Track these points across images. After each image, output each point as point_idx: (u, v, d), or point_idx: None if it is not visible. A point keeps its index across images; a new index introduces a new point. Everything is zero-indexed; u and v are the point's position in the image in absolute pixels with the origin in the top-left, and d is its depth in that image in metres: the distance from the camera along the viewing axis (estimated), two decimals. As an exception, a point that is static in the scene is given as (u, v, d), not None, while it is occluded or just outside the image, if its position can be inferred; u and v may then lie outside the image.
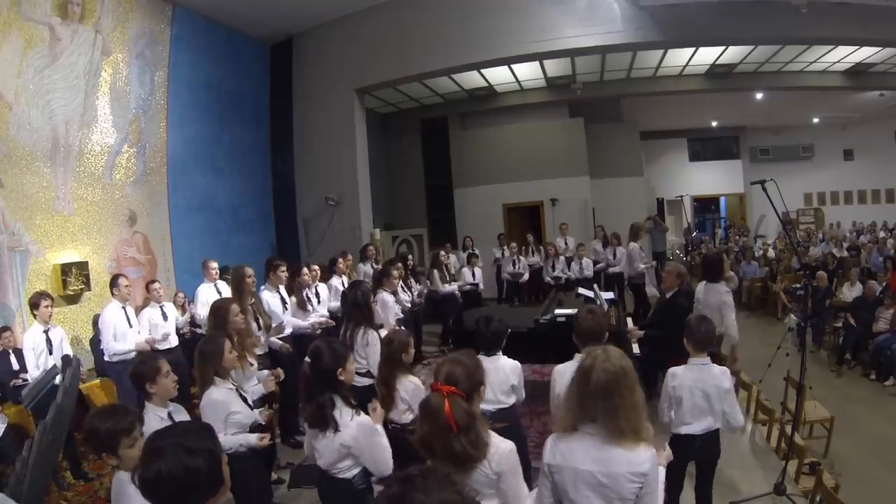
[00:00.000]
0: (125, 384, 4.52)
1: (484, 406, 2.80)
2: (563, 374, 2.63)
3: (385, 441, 2.22)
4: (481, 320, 2.96)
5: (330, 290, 5.74)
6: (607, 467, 1.62)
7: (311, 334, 4.81)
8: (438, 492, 0.94)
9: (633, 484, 1.61)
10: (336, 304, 5.60)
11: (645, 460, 1.62)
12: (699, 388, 2.69)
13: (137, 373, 2.45)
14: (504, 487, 1.73)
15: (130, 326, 4.67)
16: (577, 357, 2.64)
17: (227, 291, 5.59)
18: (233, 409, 2.66)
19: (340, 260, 6.32)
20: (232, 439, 2.62)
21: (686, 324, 2.83)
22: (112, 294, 4.67)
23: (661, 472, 1.80)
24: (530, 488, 2.99)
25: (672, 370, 2.77)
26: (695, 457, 2.83)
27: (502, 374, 2.86)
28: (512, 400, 2.89)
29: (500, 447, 1.73)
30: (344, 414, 2.19)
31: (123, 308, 4.66)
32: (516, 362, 2.94)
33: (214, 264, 5.59)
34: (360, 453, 2.18)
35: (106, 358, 4.62)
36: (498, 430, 2.78)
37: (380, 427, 2.23)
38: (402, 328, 4.51)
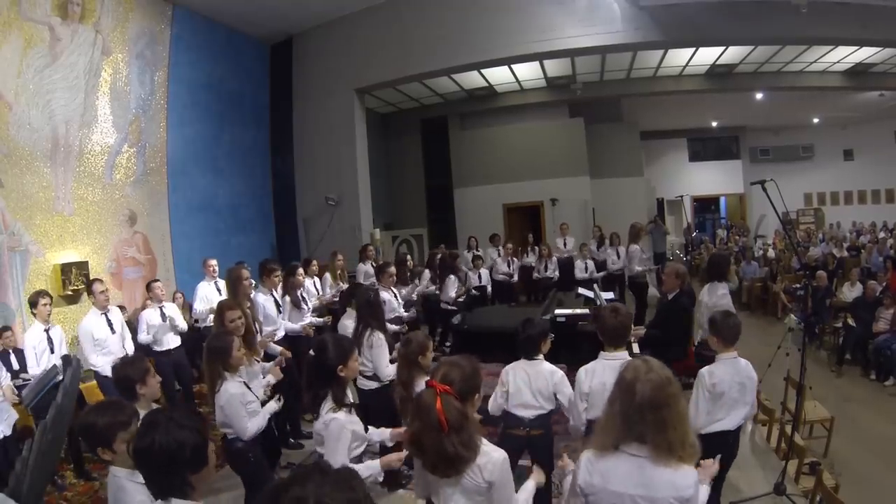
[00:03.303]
0: (111, 393, 4.51)
1: (524, 412, 2.80)
2: (591, 373, 2.63)
3: (342, 447, 2.21)
4: (519, 324, 2.90)
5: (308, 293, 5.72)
6: (650, 491, 1.53)
7: (304, 336, 4.82)
8: (331, 489, 0.93)
9: None
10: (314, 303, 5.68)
11: (690, 484, 1.53)
12: (736, 381, 2.74)
13: (126, 376, 2.40)
14: (495, 498, 1.69)
15: (113, 332, 4.52)
16: (602, 355, 2.67)
17: (225, 289, 5.63)
18: (249, 399, 2.81)
19: (314, 262, 6.43)
20: (261, 416, 2.82)
21: (710, 321, 2.85)
22: (91, 301, 4.56)
23: (704, 491, 1.70)
24: (549, 489, 2.99)
25: (707, 370, 2.76)
26: (721, 454, 2.81)
27: (542, 379, 2.81)
28: (551, 405, 2.85)
29: (493, 456, 1.68)
30: (325, 406, 2.25)
31: (104, 314, 4.53)
32: (558, 369, 2.86)
33: (213, 262, 5.66)
34: (324, 445, 2.23)
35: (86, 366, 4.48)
36: (534, 436, 2.80)
37: (346, 434, 2.21)
38: (421, 330, 4.50)
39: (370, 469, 2.24)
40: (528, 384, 2.82)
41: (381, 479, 2.27)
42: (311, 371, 2.35)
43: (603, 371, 2.58)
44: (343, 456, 2.21)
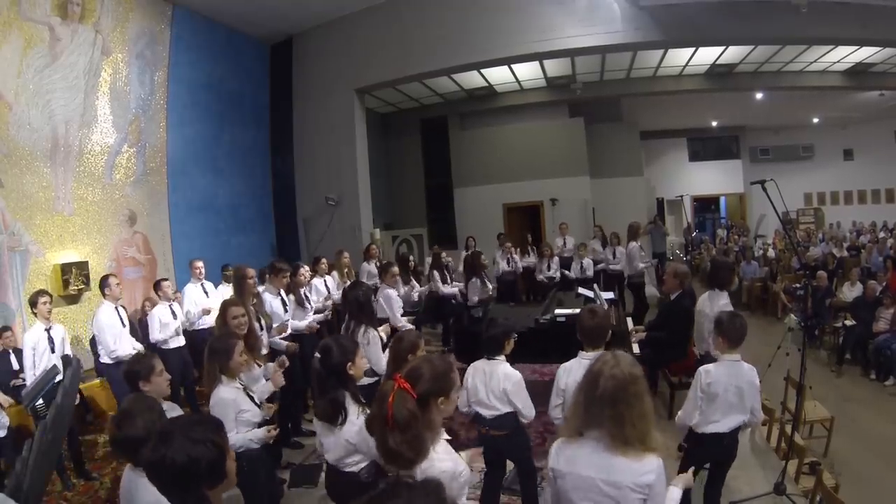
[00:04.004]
0: (121, 386, 4.55)
1: (484, 411, 2.84)
2: (568, 371, 2.67)
3: None
4: (485, 322, 2.97)
5: (311, 291, 5.77)
6: (610, 475, 1.58)
7: (307, 334, 4.83)
8: (423, 500, 0.93)
9: (637, 494, 1.56)
10: (319, 304, 5.71)
11: (650, 471, 1.56)
12: (734, 384, 2.68)
13: (132, 371, 2.43)
14: None
15: (124, 326, 4.63)
16: (581, 354, 2.69)
17: (212, 290, 5.70)
18: (242, 408, 2.70)
19: (323, 260, 6.41)
20: (242, 437, 2.67)
21: (716, 321, 2.82)
22: (104, 294, 4.62)
23: (676, 493, 1.74)
24: (538, 488, 3.00)
25: (704, 368, 2.74)
26: (718, 456, 2.82)
27: (496, 380, 2.83)
28: (508, 408, 2.84)
29: (435, 465, 1.60)
30: (351, 410, 2.22)
31: (116, 308, 4.62)
32: (515, 372, 2.85)
33: (200, 263, 5.70)
34: (367, 450, 2.18)
35: (105, 360, 4.59)
36: (496, 437, 2.82)
37: None
38: (413, 328, 4.53)
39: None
40: (485, 383, 2.86)
41: None
42: (319, 377, 2.31)
43: (579, 369, 2.58)
44: None
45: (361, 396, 2.36)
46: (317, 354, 2.35)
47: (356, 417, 2.19)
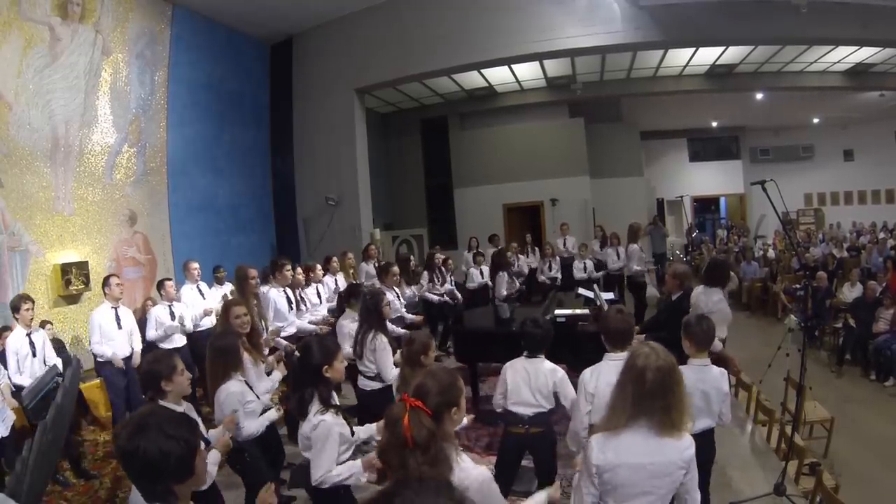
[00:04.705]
0: (113, 384, 4.60)
1: (523, 410, 2.84)
2: (597, 373, 2.58)
3: (331, 450, 2.19)
4: (529, 322, 2.93)
5: (324, 288, 5.79)
6: (660, 457, 1.71)
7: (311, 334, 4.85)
8: (433, 497, 0.93)
9: (682, 470, 1.75)
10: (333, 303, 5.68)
11: (689, 445, 1.75)
12: (699, 388, 2.62)
13: (152, 371, 2.36)
14: None
15: (119, 328, 4.64)
16: (608, 356, 2.62)
17: (207, 291, 5.72)
18: (248, 399, 2.81)
19: (335, 259, 6.40)
20: (259, 421, 2.83)
21: (685, 324, 2.74)
22: (104, 294, 4.68)
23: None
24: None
25: None
26: None
27: (542, 377, 2.84)
28: (550, 404, 2.85)
29: (472, 475, 1.60)
30: (313, 409, 2.25)
31: (114, 309, 4.65)
32: (559, 367, 2.88)
33: (195, 265, 5.73)
34: (311, 449, 2.22)
35: (94, 352, 4.63)
36: (534, 435, 2.83)
37: (334, 436, 2.21)
38: (423, 329, 4.52)
39: (350, 469, 2.20)
40: (528, 382, 2.85)
41: (363, 479, 2.21)
42: (295, 373, 2.36)
43: (609, 372, 2.51)
44: (331, 460, 2.18)
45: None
46: (295, 353, 2.38)
47: (312, 416, 2.23)
